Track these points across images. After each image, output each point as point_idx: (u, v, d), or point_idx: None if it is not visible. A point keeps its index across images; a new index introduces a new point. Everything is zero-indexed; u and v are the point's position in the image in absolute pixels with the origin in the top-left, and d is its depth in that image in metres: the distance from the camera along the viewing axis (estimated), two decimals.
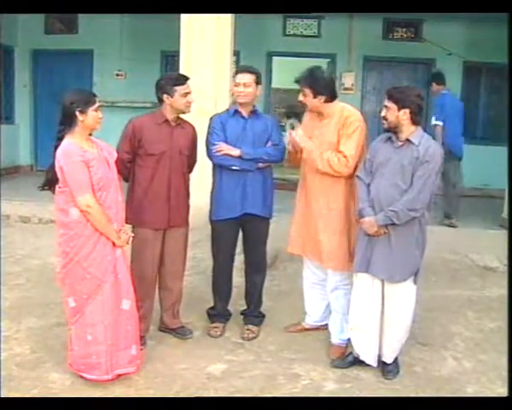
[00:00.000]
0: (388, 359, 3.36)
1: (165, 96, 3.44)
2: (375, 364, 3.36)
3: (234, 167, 3.58)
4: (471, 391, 3.23)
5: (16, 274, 4.82)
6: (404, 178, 3.13)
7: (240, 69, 3.70)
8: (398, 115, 3.13)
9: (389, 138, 3.25)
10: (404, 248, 3.20)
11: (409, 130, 3.16)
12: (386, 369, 3.35)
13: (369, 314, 3.31)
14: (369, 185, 3.26)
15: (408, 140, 3.16)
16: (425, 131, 3.28)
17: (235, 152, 3.56)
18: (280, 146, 3.66)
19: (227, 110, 3.82)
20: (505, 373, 3.14)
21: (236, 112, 3.68)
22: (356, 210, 3.37)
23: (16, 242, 5.71)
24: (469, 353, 3.70)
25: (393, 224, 3.13)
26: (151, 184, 3.47)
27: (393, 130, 3.18)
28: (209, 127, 3.71)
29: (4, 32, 8.12)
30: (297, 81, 3.53)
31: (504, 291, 4.36)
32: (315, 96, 3.47)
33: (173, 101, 3.44)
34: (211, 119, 3.76)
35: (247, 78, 3.58)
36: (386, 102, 3.18)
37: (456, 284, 4.99)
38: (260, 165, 3.61)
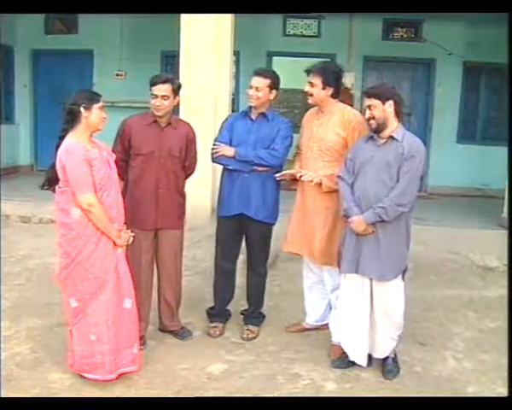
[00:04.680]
0: (381, 355, 3.37)
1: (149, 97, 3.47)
2: (365, 364, 3.37)
3: (229, 167, 3.62)
4: (471, 391, 3.23)
5: (16, 274, 4.82)
6: (391, 174, 3.15)
7: (256, 72, 3.67)
8: (385, 109, 3.15)
9: (371, 137, 3.27)
10: (393, 246, 3.22)
11: (393, 125, 3.19)
12: (386, 369, 3.35)
13: (359, 315, 3.31)
14: (352, 185, 3.28)
15: (391, 137, 3.18)
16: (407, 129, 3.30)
17: (230, 152, 3.57)
18: (277, 153, 3.57)
19: (242, 110, 3.86)
20: (505, 373, 3.14)
21: (246, 113, 3.71)
22: (341, 210, 3.36)
23: (16, 242, 5.71)
24: (469, 353, 3.70)
25: (382, 221, 3.14)
26: (139, 184, 3.47)
27: (381, 127, 3.18)
28: (220, 127, 3.76)
29: (4, 32, 8.12)
30: (307, 71, 3.54)
31: (504, 291, 4.36)
32: (324, 87, 3.48)
33: (150, 101, 3.46)
34: (225, 118, 3.83)
35: (259, 82, 3.58)
36: (369, 102, 3.18)
37: (456, 284, 4.99)
38: (259, 168, 3.59)
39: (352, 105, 4.03)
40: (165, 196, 3.50)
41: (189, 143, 3.59)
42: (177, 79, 4.65)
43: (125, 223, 3.18)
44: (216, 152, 3.62)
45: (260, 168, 3.59)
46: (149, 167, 3.45)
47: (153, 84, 3.41)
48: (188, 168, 3.66)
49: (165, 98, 3.39)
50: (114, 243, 3.04)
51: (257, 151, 3.58)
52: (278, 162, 3.61)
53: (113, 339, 3.05)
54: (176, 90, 3.45)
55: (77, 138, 2.96)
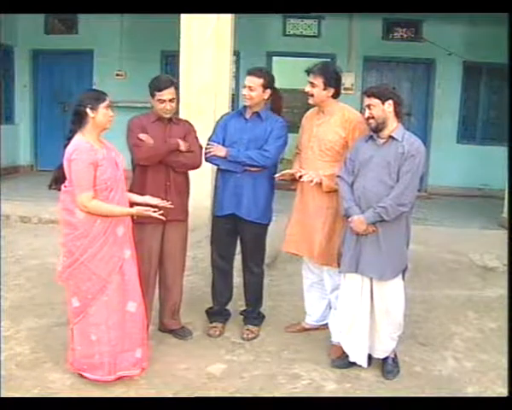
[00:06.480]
0: (381, 355, 3.37)
1: (150, 98, 3.51)
2: (365, 364, 3.37)
3: (221, 167, 3.64)
4: (471, 391, 3.23)
5: (16, 274, 4.82)
6: (391, 174, 3.16)
7: (249, 71, 3.67)
8: (384, 109, 3.16)
9: (370, 137, 3.27)
10: (394, 245, 3.22)
11: (392, 125, 3.19)
12: (387, 369, 3.35)
13: (359, 314, 3.31)
14: (351, 185, 3.28)
15: (391, 137, 3.19)
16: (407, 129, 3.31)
17: (222, 153, 3.58)
18: (268, 153, 3.56)
19: (237, 109, 3.86)
20: (505, 373, 3.14)
21: (241, 113, 3.72)
22: (341, 210, 3.36)
23: (16, 242, 5.71)
24: (469, 353, 3.70)
25: (382, 221, 3.15)
26: (149, 178, 3.49)
27: (381, 127, 3.19)
28: (214, 126, 3.76)
29: (4, 32, 8.12)
30: (308, 71, 3.54)
31: (504, 291, 4.36)
32: (325, 88, 3.48)
33: (154, 103, 3.50)
34: (220, 117, 3.84)
35: (253, 81, 3.58)
36: (369, 101, 3.19)
37: (456, 284, 4.99)
38: (251, 169, 3.58)
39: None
40: (175, 189, 3.54)
41: (188, 132, 3.62)
42: (177, 78, 4.62)
43: (132, 219, 3.19)
44: (208, 152, 3.63)
45: (252, 169, 3.59)
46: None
47: (159, 89, 3.43)
48: (191, 157, 3.59)
49: (173, 100, 3.48)
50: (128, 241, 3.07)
51: (248, 152, 3.57)
52: (269, 163, 3.59)
53: (114, 341, 3.05)
54: (177, 90, 3.55)
55: (85, 138, 2.97)
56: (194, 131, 3.66)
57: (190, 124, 3.70)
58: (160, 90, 3.43)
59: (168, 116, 3.51)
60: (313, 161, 3.55)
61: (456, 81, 8.77)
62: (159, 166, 3.48)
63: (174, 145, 3.45)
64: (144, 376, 3.21)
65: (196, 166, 3.60)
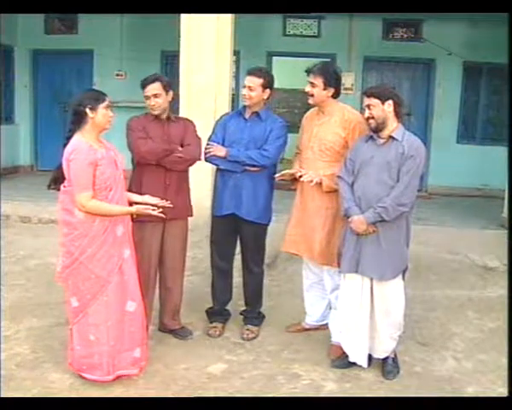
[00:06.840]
0: (381, 355, 3.37)
1: None
2: (365, 364, 3.37)
3: (221, 167, 3.64)
4: (471, 391, 3.23)
5: (16, 274, 4.82)
6: (391, 174, 3.16)
7: (249, 71, 3.67)
8: (384, 109, 3.17)
9: (370, 137, 3.27)
10: (394, 246, 3.23)
11: (392, 125, 3.20)
12: (387, 369, 3.35)
13: (359, 315, 3.31)
14: (352, 185, 3.28)
15: (391, 137, 3.19)
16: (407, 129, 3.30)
17: (221, 153, 3.58)
18: (267, 153, 3.56)
19: (237, 109, 3.86)
20: (505, 373, 3.14)
21: (241, 113, 3.71)
22: (341, 210, 3.37)
23: (16, 242, 5.71)
24: (469, 353, 3.70)
25: (382, 221, 3.15)
26: (148, 177, 3.49)
27: (380, 127, 3.19)
28: (214, 126, 3.76)
29: (4, 32, 8.12)
30: (308, 71, 3.54)
31: (504, 291, 4.36)
32: (325, 88, 3.49)
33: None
34: (220, 117, 3.85)
35: (252, 81, 3.59)
36: (368, 101, 3.20)
37: (456, 284, 4.99)
38: (251, 168, 3.58)
39: None
40: (174, 186, 3.54)
41: (187, 128, 3.62)
42: (177, 78, 4.59)
43: (132, 218, 3.19)
44: (208, 152, 3.63)
45: (252, 168, 3.59)
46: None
47: (143, 86, 3.50)
48: (188, 150, 3.56)
49: (158, 96, 3.47)
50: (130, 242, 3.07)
51: (248, 151, 3.57)
52: (269, 162, 3.60)
53: (112, 341, 3.05)
54: (166, 87, 3.53)
55: (84, 138, 2.97)
56: (193, 126, 3.66)
57: (189, 120, 3.70)
58: (143, 88, 3.49)
59: (157, 113, 3.50)
60: (313, 161, 3.56)
61: (456, 81, 8.76)
62: (158, 165, 3.48)
63: (173, 147, 3.46)
64: (144, 376, 3.21)
65: (196, 158, 3.59)
